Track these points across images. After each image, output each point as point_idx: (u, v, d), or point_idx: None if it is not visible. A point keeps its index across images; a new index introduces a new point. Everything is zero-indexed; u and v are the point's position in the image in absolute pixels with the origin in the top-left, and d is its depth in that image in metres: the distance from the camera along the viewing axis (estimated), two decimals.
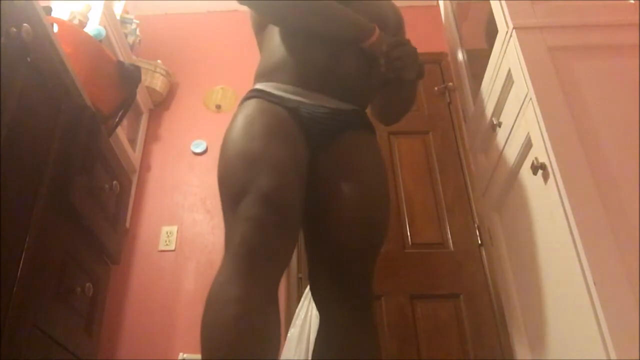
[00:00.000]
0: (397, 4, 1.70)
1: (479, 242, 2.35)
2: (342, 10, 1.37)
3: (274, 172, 1.14)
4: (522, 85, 1.43)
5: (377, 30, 1.38)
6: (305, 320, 1.85)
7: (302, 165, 1.25)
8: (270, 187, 1.11)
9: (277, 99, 1.33)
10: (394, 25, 1.59)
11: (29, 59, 1.32)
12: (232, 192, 1.16)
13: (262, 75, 1.43)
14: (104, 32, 2.29)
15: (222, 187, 1.22)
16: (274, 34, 1.43)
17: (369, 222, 1.27)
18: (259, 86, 1.39)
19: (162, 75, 2.89)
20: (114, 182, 1.81)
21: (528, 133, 1.41)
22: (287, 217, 1.11)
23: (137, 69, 2.07)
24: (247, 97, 1.37)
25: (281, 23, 1.41)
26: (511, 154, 1.56)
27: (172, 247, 2.47)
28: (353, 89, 1.42)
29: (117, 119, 2.02)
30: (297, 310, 1.91)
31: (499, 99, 1.62)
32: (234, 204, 1.13)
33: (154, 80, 2.85)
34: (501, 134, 1.62)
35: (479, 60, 1.83)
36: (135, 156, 2.67)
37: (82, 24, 2.30)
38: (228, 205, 1.16)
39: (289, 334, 1.86)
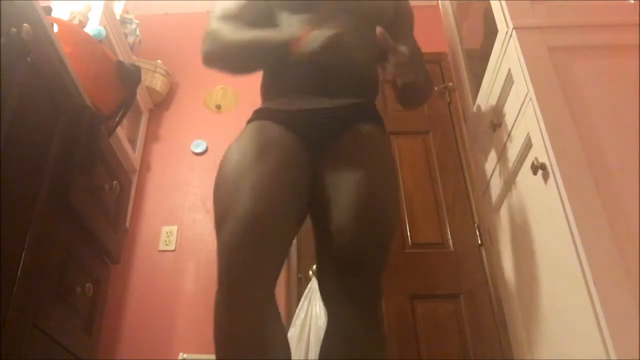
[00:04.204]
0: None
1: (479, 242, 2.36)
2: (252, 38, 1.38)
3: (251, 194, 1.17)
4: (522, 85, 1.43)
5: (299, 34, 1.30)
6: (305, 320, 1.85)
7: (296, 173, 1.28)
8: (245, 210, 1.14)
9: (271, 115, 1.37)
10: (391, 14, 1.57)
11: (29, 59, 1.32)
12: (216, 218, 1.22)
13: (262, 95, 1.50)
14: (104, 32, 2.29)
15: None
16: None
17: (368, 219, 1.25)
18: (259, 107, 1.45)
19: (162, 75, 2.89)
20: (114, 182, 1.81)
21: (528, 133, 1.41)
22: (267, 235, 1.13)
23: (137, 69, 2.07)
24: (247, 122, 1.43)
25: (221, 70, 1.47)
26: (511, 154, 1.56)
27: (172, 247, 2.47)
28: (350, 83, 1.42)
29: (117, 119, 2.01)
30: (297, 310, 1.91)
31: (499, 99, 1.62)
32: (218, 229, 1.19)
33: (154, 80, 2.86)
34: (501, 134, 1.62)
35: (479, 60, 1.83)
36: (135, 156, 2.67)
37: (82, 24, 2.30)
38: (216, 230, 1.22)
39: (288, 334, 1.87)
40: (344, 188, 1.27)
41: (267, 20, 1.48)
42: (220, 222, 1.19)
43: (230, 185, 1.22)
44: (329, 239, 1.25)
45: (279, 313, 1.17)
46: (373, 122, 1.44)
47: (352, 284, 1.21)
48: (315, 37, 1.25)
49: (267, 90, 1.48)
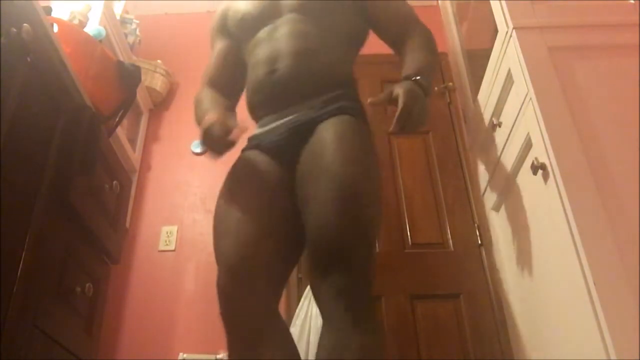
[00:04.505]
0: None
1: (479, 242, 2.35)
2: (197, 116, 1.53)
3: (229, 242, 1.27)
4: (522, 85, 1.43)
5: (206, 118, 1.36)
6: (305, 320, 1.85)
7: (276, 203, 1.35)
8: (227, 260, 1.24)
9: (250, 143, 1.49)
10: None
11: (29, 59, 1.32)
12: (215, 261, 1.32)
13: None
14: (104, 32, 2.29)
15: None
16: None
17: (341, 211, 1.21)
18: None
19: (162, 75, 2.88)
20: (114, 182, 1.81)
21: (528, 133, 1.41)
22: (254, 277, 1.21)
23: (137, 69, 2.07)
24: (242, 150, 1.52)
25: None
26: (511, 154, 1.56)
27: (172, 247, 2.47)
28: (312, 86, 1.45)
29: (117, 119, 2.01)
30: (297, 310, 1.91)
31: (499, 99, 1.62)
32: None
33: (154, 80, 2.85)
34: (501, 134, 1.62)
35: (479, 60, 1.84)
36: (135, 156, 2.66)
37: (82, 24, 2.30)
38: None
39: None
40: (313, 188, 1.27)
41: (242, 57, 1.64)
42: (216, 260, 1.29)
43: (216, 229, 1.35)
44: (310, 240, 1.25)
45: (284, 328, 1.25)
46: (343, 114, 1.39)
47: (338, 282, 1.18)
48: (201, 129, 1.36)
49: (249, 111, 1.58)
